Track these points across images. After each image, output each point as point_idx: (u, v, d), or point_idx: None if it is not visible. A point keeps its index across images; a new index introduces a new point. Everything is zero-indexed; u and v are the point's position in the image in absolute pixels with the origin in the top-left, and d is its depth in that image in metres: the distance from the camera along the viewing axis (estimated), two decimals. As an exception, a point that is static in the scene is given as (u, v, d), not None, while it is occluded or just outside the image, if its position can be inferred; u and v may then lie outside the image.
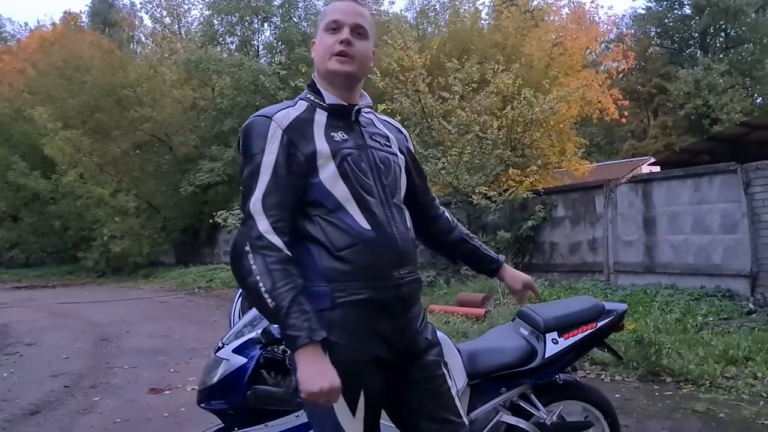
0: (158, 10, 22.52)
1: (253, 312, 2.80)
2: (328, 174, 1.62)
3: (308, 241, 1.62)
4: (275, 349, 2.46)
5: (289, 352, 2.46)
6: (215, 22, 21.70)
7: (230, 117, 19.23)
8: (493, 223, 10.76)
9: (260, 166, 1.59)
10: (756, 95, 26.01)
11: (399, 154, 1.85)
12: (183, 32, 23.10)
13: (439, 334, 2.41)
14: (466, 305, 8.17)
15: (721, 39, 27.71)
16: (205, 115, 20.40)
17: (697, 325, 6.44)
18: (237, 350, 2.50)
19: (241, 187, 1.63)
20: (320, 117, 1.68)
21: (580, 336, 2.61)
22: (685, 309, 7.11)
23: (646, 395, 4.62)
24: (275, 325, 2.39)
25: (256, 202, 1.56)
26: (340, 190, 1.62)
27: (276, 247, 1.53)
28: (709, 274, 8.10)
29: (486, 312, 7.69)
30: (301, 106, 1.70)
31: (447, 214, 2.15)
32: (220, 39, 21.90)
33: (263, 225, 1.54)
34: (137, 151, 21.18)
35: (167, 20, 22.68)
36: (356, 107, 1.75)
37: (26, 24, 31.28)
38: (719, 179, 8.17)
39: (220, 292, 14.53)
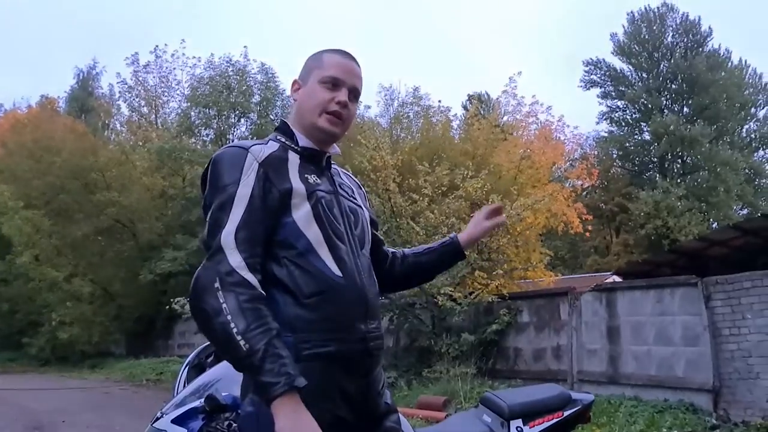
0: (137, 99, 22.93)
1: (200, 380, 2.60)
2: (301, 214, 1.54)
3: (272, 286, 1.49)
4: (219, 422, 2.27)
5: (234, 425, 2.29)
6: (192, 113, 22.14)
7: (198, 207, 19.16)
8: (457, 325, 10.62)
9: (234, 197, 1.47)
10: (711, 220, 27.05)
11: (365, 208, 1.82)
12: (159, 122, 23.46)
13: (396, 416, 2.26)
14: (427, 408, 7.93)
15: (678, 165, 29.15)
16: (173, 203, 20.32)
17: (662, 438, 6.27)
18: (176, 420, 2.31)
19: (207, 219, 1.50)
20: (293, 157, 1.62)
21: (546, 425, 2.47)
22: (649, 421, 6.96)
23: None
24: (237, 375, 2.23)
25: (227, 235, 1.43)
26: (313, 233, 1.54)
27: (249, 284, 1.40)
28: (672, 387, 7.98)
29: (447, 416, 7.39)
30: (273, 145, 1.63)
31: (391, 249, 2.07)
32: (196, 131, 22.26)
33: (235, 260, 1.41)
34: (99, 237, 20.77)
35: (145, 110, 23.06)
36: (327, 154, 1.71)
37: (1, 105, 31.30)
38: (680, 291, 8.25)
39: (169, 385, 13.80)
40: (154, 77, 22.41)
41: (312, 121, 1.65)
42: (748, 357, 7.36)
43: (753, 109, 29.43)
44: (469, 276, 11.14)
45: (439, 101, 32.06)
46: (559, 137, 19.13)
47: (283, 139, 1.66)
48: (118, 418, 8.56)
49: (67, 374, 17.47)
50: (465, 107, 27.73)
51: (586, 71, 30.97)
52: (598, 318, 9.21)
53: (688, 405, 7.54)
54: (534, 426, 2.46)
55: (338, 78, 1.65)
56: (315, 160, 1.67)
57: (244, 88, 21.28)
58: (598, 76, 30.72)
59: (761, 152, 30.18)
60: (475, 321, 10.83)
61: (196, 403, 2.31)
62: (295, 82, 1.72)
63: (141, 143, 21.49)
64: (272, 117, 21.32)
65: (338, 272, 1.54)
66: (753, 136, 29.94)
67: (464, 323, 10.61)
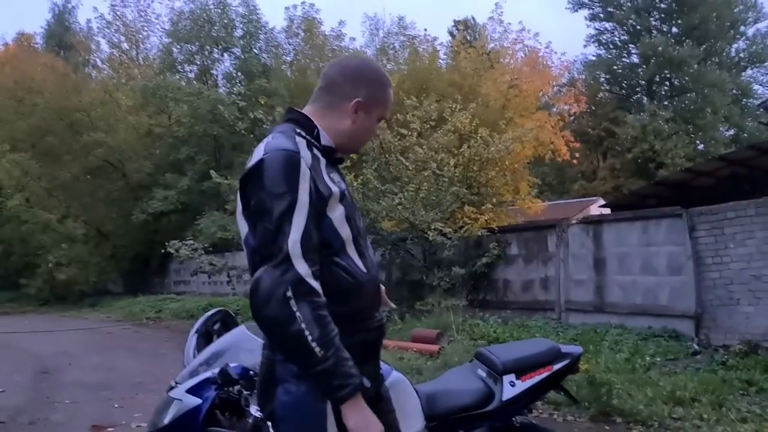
0: (116, 35, 22.26)
1: (210, 350, 2.74)
2: (337, 215, 1.61)
3: None
4: (231, 390, 2.41)
5: (245, 393, 2.44)
6: (174, 50, 21.58)
7: (186, 145, 19.02)
8: (448, 259, 10.83)
9: (295, 204, 1.49)
10: (698, 142, 27.15)
11: None
12: (141, 58, 22.85)
13: (398, 375, 2.41)
14: (420, 341, 8.16)
15: (666, 88, 28.95)
16: (160, 142, 20.13)
17: (645, 365, 6.59)
18: (191, 390, 2.43)
19: (264, 224, 1.51)
20: (320, 156, 1.66)
21: (537, 378, 2.64)
22: (633, 349, 7.26)
23: (598, 436, 4.67)
24: (229, 364, 2.36)
25: (294, 244, 1.47)
26: (345, 232, 1.62)
27: (318, 293, 1.47)
28: (657, 315, 8.31)
29: (440, 348, 7.68)
30: (302, 143, 1.62)
31: None
32: (179, 67, 21.76)
33: (303, 269, 1.46)
34: (88, 177, 20.67)
35: (125, 46, 22.44)
36: (338, 153, 1.78)
37: (-23, 44, 30.26)
38: (666, 223, 8.45)
39: (169, 323, 14.14)
40: (132, 11, 21.71)
41: (356, 148, 1.85)
42: (729, 284, 7.63)
43: (742, 27, 28.97)
44: (459, 210, 11.30)
45: (425, 30, 31.27)
46: (547, 63, 18.93)
47: (304, 134, 1.66)
48: (121, 359, 8.81)
49: (67, 313, 17.73)
50: (452, 33, 27.13)
51: (574, -9, 30.17)
52: (586, 250, 9.45)
53: (671, 332, 7.88)
54: (526, 380, 2.63)
55: (385, 117, 1.84)
56: (331, 157, 1.72)
57: (225, 21, 20.67)
58: (587, -4, 29.98)
59: (749, 71, 29.95)
60: (465, 254, 11.05)
61: (209, 374, 2.45)
62: (359, 103, 1.72)
63: (124, 81, 21.01)
64: (256, 51, 20.83)
65: (364, 268, 1.65)
66: (741, 55, 29.62)
67: (455, 257, 10.82)
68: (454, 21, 30.39)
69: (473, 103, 12.87)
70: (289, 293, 1.43)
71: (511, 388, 2.56)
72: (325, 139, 1.69)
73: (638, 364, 6.56)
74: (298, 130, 1.66)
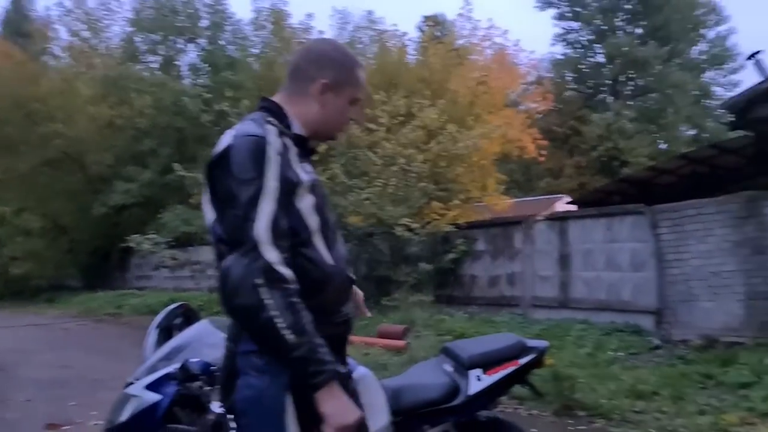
0: (77, 23, 21.62)
1: (170, 345, 2.65)
2: (306, 204, 1.57)
3: None
4: (192, 386, 2.33)
5: (206, 388, 2.36)
6: (137, 39, 21.09)
7: (149, 137, 18.62)
8: (415, 254, 10.83)
9: (263, 190, 1.46)
10: (661, 141, 27.71)
11: None
12: (103, 48, 22.26)
13: (364, 370, 2.35)
14: (386, 337, 8.13)
15: (630, 87, 29.44)
16: (122, 133, 19.63)
17: (608, 359, 6.68)
18: (151, 386, 2.37)
19: (233, 211, 1.47)
20: (290, 145, 1.61)
21: (503, 373, 2.62)
22: (596, 344, 7.37)
23: (561, 430, 4.70)
24: (189, 360, 2.28)
25: (264, 231, 1.43)
26: (313, 222, 1.58)
27: (289, 280, 1.44)
28: (619, 310, 8.44)
29: (407, 344, 7.66)
30: (272, 131, 1.56)
31: None
32: (142, 57, 21.28)
33: (273, 256, 1.43)
34: (46, 169, 20.04)
35: (86, 34, 21.79)
36: (311, 142, 1.74)
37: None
38: (629, 219, 8.58)
39: (129, 319, 13.83)
40: (92, -1, 21.12)
41: (331, 134, 1.75)
42: (689, 281, 7.80)
43: (703, 30, 29.64)
44: (426, 206, 11.29)
45: (395, 25, 31.22)
46: (515, 62, 19.06)
47: (275, 122, 1.61)
48: (78, 356, 8.59)
49: (23, 309, 17.26)
50: (421, 29, 27.12)
51: (542, -9, 30.45)
52: (551, 246, 9.54)
53: (634, 327, 8.02)
54: (492, 374, 2.61)
55: (360, 99, 1.74)
56: (303, 147, 1.68)
57: (190, 11, 20.28)
58: (554, -5, 30.29)
59: (710, 73, 30.63)
60: (433, 250, 11.06)
61: (169, 369, 2.37)
62: (325, 84, 1.67)
63: (84, 70, 20.42)
64: (222, 42, 20.50)
65: (332, 261, 1.60)
66: (703, 57, 30.30)
67: (422, 253, 10.83)
68: (424, 17, 30.40)
69: (442, 100, 12.87)
70: (259, 281, 1.40)
71: (477, 382, 2.53)
72: (297, 128, 1.66)
73: (601, 359, 6.66)
74: (268, 118, 1.61)
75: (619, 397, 5.16)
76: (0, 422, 5.08)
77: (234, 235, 1.47)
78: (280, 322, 1.39)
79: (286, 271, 1.44)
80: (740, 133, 8.79)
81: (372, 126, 11.17)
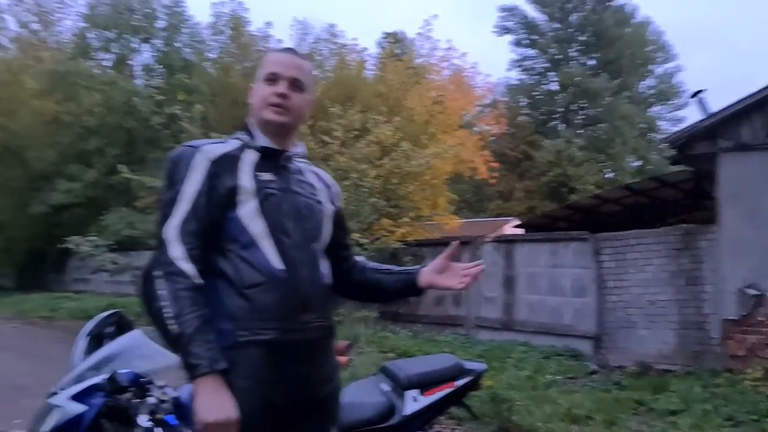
0: (26, 14, 20.96)
1: (99, 354, 2.53)
2: (247, 210, 1.64)
3: (216, 277, 1.61)
4: (120, 398, 2.24)
5: (134, 401, 2.28)
6: (90, 35, 20.53)
7: (96, 136, 18.09)
8: (362, 270, 10.77)
9: (180, 193, 1.61)
10: (608, 170, 28.59)
11: (327, 204, 1.88)
12: (53, 41, 21.59)
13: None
14: (329, 352, 8.04)
15: (581, 116, 30.33)
16: (67, 130, 18.98)
17: (546, 382, 6.77)
18: (76, 397, 2.25)
19: (158, 215, 1.65)
20: (250, 156, 1.73)
21: (440, 394, 2.65)
22: (536, 366, 7.47)
23: (498, 452, 4.72)
24: (118, 370, 2.19)
25: (171, 229, 1.58)
26: (257, 227, 1.63)
27: (186, 275, 1.54)
28: (560, 334, 8.60)
29: (349, 360, 7.59)
30: (233, 144, 1.74)
31: (360, 258, 2.13)
32: (94, 54, 20.70)
33: (176, 251, 1.56)
34: (-17, 163, 19.23)
35: (35, 26, 21.13)
36: (286, 153, 1.79)
37: None
38: (573, 246, 8.78)
39: (64, 323, 13.28)
40: (45, -10, 20.51)
41: (260, 116, 1.76)
42: (627, 308, 8.02)
43: (652, 66, 30.87)
44: (376, 222, 11.29)
45: (355, 39, 31.39)
46: (471, 84, 19.38)
47: (244, 138, 1.76)
48: (6, 360, 8.19)
49: (-51, 308, 16.40)
50: (381, 45, 27.33)
51: (501, 17, 31.19)
52: (497, 267, 9.66)
53: (572, 351, 8.18)
54: (428, 395, 2.62)
55: (276, 72, 1.75)
56: (272, 158, 1.76)
57: (147, 10, 19.89)
58: (513, 22, 31.05)
59: (656, 108, 31.87)
60: (381, 266, 11.03)
61: (97, 379, 2.26)
62: (250, 88, 1.82)
63: (31, 63, 19.73)
64: (178, 45, 20.15)
65: (280, 265, 1.63)
66: (651, 92, 31.51)
67: (370, 268, 10.78)
68: (384, 33, 30.65)
69: (398, 117, 12.94)
70: (157, 273, 1.55)
71: (413, 402, 2.55)
72: (261, 140, 1.76)
73: (539, 382, 6.74)
74: (239, 135, 1.78)
75: (554, 421, 5.22)
76: None
77: (155, 234, 1.63)
78: (168, 312, 1.50)
79: (187, 267, 1.55)
80: (681, 167, 9.12)
81: (326, 139, 11.14)
